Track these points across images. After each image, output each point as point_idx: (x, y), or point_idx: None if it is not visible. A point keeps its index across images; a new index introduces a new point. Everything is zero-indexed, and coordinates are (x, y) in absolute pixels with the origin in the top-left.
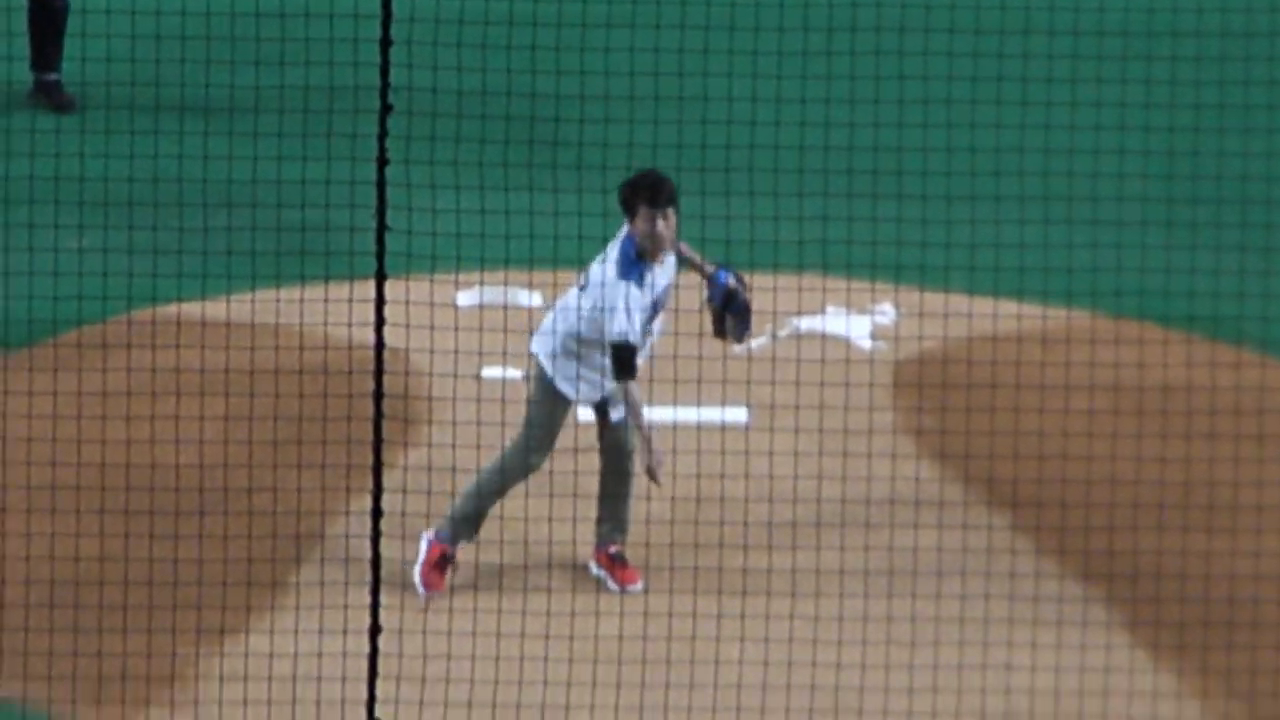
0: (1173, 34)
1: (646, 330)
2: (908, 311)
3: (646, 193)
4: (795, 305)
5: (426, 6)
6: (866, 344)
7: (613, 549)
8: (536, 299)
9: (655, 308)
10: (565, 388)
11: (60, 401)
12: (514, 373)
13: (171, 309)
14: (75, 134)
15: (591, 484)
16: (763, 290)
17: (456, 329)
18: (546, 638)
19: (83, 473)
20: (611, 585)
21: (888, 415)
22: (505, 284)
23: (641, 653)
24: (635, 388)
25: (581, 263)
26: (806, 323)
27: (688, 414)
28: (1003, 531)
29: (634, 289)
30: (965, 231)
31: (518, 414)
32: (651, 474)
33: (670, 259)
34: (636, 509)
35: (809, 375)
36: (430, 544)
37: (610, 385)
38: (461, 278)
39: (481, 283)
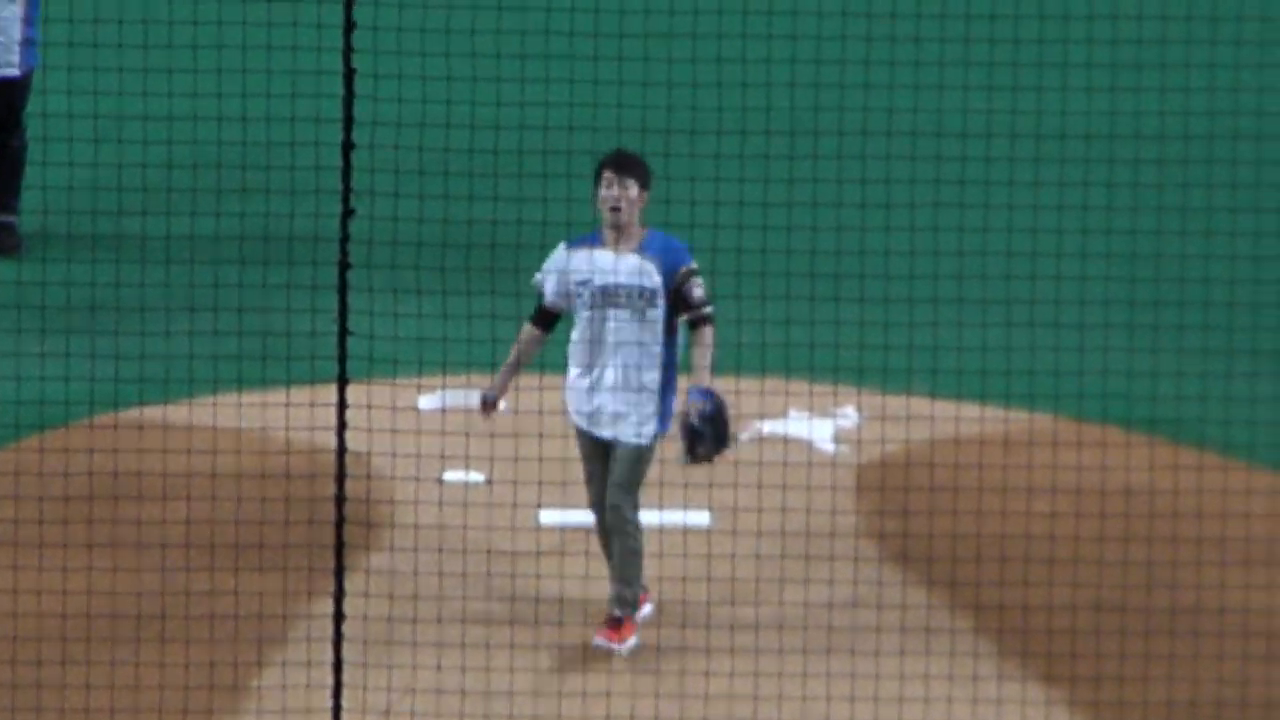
0: (1136, 137)
1: (588, 305)
2: (870, 414)
3: (604, 161)
4: (758, 408)
5: (388, 111)
6: (829, 447)
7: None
8: (500, 403)
9: (603, 292)
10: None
11: (21, 506)
12: (476, 476)
13: (134, 413)
14: (38, 239)
15: None
16: (726, 393)
17: (419, 432)
18: None
19: (43, 577)
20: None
21: (850, 518)
22: (467, 387)
23: None
24: (522, 333)
25: (545, 368)
26: (769, 425)
27: (650, 516)
28: (965, 634)
29: (562, 249)
30: (928, 334)
31: (479, 518)
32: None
33: (633, 257)
34: (598, 612)
35: (771, 478)
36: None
37: (595, 402)
38: (423, 381)
39: (444, 386)
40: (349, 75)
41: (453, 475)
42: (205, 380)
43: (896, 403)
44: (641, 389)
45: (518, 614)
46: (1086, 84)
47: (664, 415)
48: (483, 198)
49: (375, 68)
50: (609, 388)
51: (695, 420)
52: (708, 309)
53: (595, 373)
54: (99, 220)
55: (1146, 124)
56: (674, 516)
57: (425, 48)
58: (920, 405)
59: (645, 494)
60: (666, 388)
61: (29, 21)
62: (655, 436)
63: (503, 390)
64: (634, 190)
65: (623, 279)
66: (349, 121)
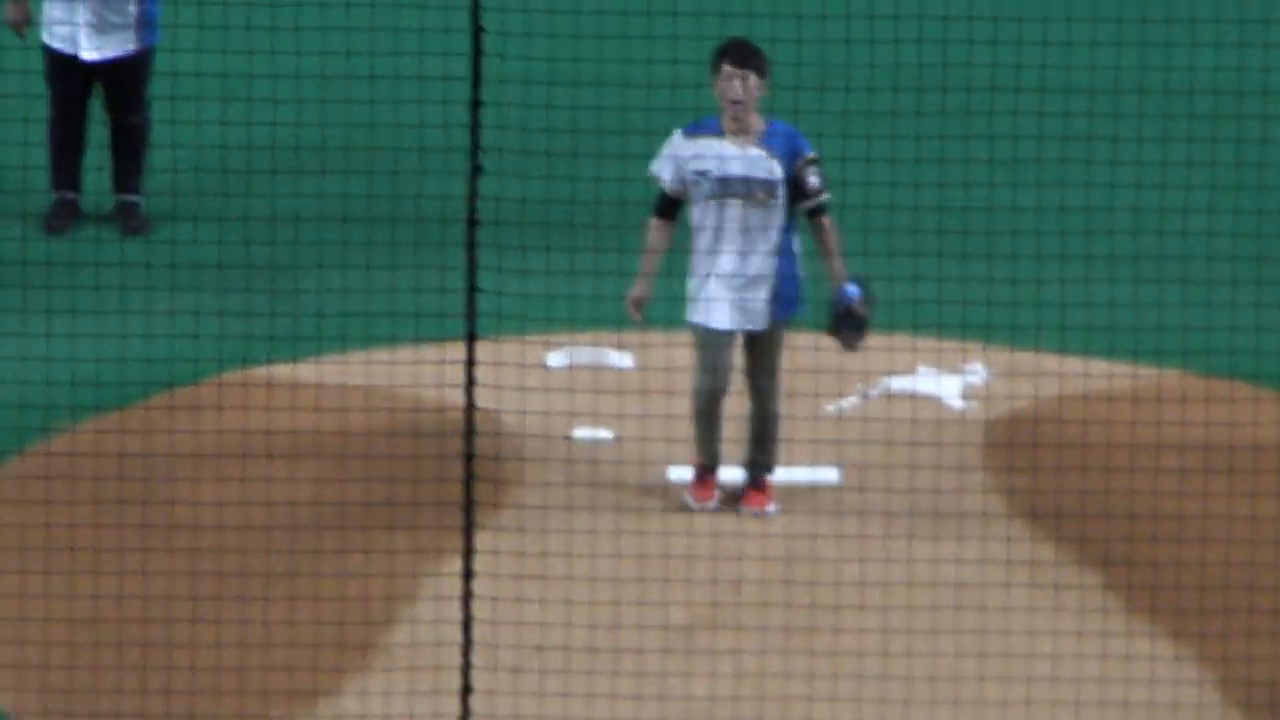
0: (1264, 93)
1: (707, 195)
2: (998, 371)
3: (723, 52)
4: (886, 365)
5: (515, 69)
6: (958, 403)
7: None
8: (626, 360)
9: (724, 183)
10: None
11: (152, 464)
12: (604, 433)
13: (262, 371)
14: (167, 196)
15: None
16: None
17: (547, 390)
18: (637, 699)
19: (174, 535)
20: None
21: (978, 475)
22: (595, 344)
23: (731, 715)
24: (650, 227)
25: (672, 323)
26: (897, 383)
27: (777, 474)
28: (1095, 591)
29: (679, 137)
30: (1055, 290)
31: (608, 475)
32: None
33: (753, 149)
34: (726, 569)
35: (900, 434)
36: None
37: (713, 292)
38: (551, 339)
39: (572, 343)
40: (477, 33)
41: (581, 432)
42: (334, 338)
43: (1025, 359)
44: (760, 277)
45: (646, 571)
46: (1215, 39)
47: (784, 301)
48: (611, 155)
49: (503, 25)
50: (728, 277)
51: (853, 307)
52: (824, 197)
53: (713, 262)
54: (229, 179)
55: (1275, 79)
56: (801, 473)
57: (555, 5)
58: (1048, 362)
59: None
60: (784, 274)
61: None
62: (780, 322)
63: (648, 288)
64: (753, 81)
65: (745, 171)
66: (477, 79)
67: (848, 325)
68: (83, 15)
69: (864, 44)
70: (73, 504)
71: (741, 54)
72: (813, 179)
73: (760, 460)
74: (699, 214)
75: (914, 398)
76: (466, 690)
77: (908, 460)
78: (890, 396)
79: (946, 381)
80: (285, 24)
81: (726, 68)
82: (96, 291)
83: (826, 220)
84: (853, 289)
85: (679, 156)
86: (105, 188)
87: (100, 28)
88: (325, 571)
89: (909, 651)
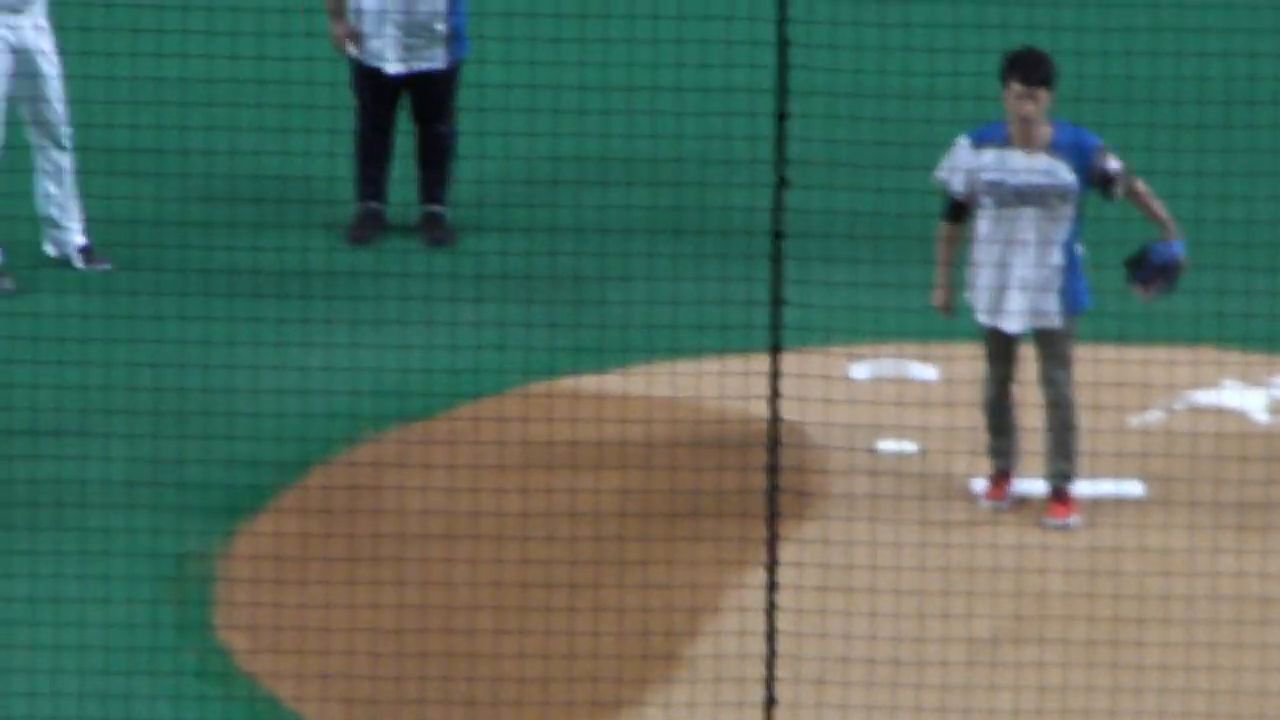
0: None
1: (999, 204)
2: None
3: (1011, 67)
4: (1191, 378)
5: (821, 80)
6: (1263, 418)
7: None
8: (930, 372)
9: (1017, 192)
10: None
11: (456, 475)
12: (908, 445)
13: (568, 382)
14: (473, 207)
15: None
16: (1158, 363)
17: (851, 401)
18: (941, 712)
19: (479, 546)
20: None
21: None
22: (899, 356)
23: None
24: (940, 232)
25: (976, 336)
26: (1202, 396)
27: (1082, 487)
28: None
29: (966, 145)
30: None
31: (912, 487)
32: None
33: (1043, 157)
34: (1030, 582)
35: (1205, 448)
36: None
37: (1004, 298)
38: (855, 350)
39: (876, 355)
40: (783, 46)
41: (885, 445)
42: (640, 349)
43: None
44: (1050, 277)
45: (950, 584)
46: None
47: (1073, 298)
48: (916, 167)
49: (809, 37)
50: (1019, 282)
51: (1176, 263)
52: (1128, 174)
53: (1004, 269)
54: (535, 190)
55: None
56: (1106, 487)
57: (860, 17)
58: None
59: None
60: (1071, 268)
61: (456, 13)
62: (1071, 317)
63: (950, 290)
64: (1042, 95)
65: (1036, 179)
66: (783, 92)
67: (1161, 278)
68: (391, 30)
69: (1170, 56)
70: (377, 514)
71: (1029, 72)
72: (1112, 164)
73: (1061, 470)
74: (988, 222)
75: (1219, 412)
76: (770, 703)
77: (1212, 474)
78: (1195, 410)
79: (1252, 395)
80: (594, 36)
81: (1015, 86)
82: (402, 302)
83: (1140, 185)
84: (1180, 247)
85: (968, 166)
86: (411, 199)
87: (409, 42)
88: (629, 582)
89: (1212, 665)
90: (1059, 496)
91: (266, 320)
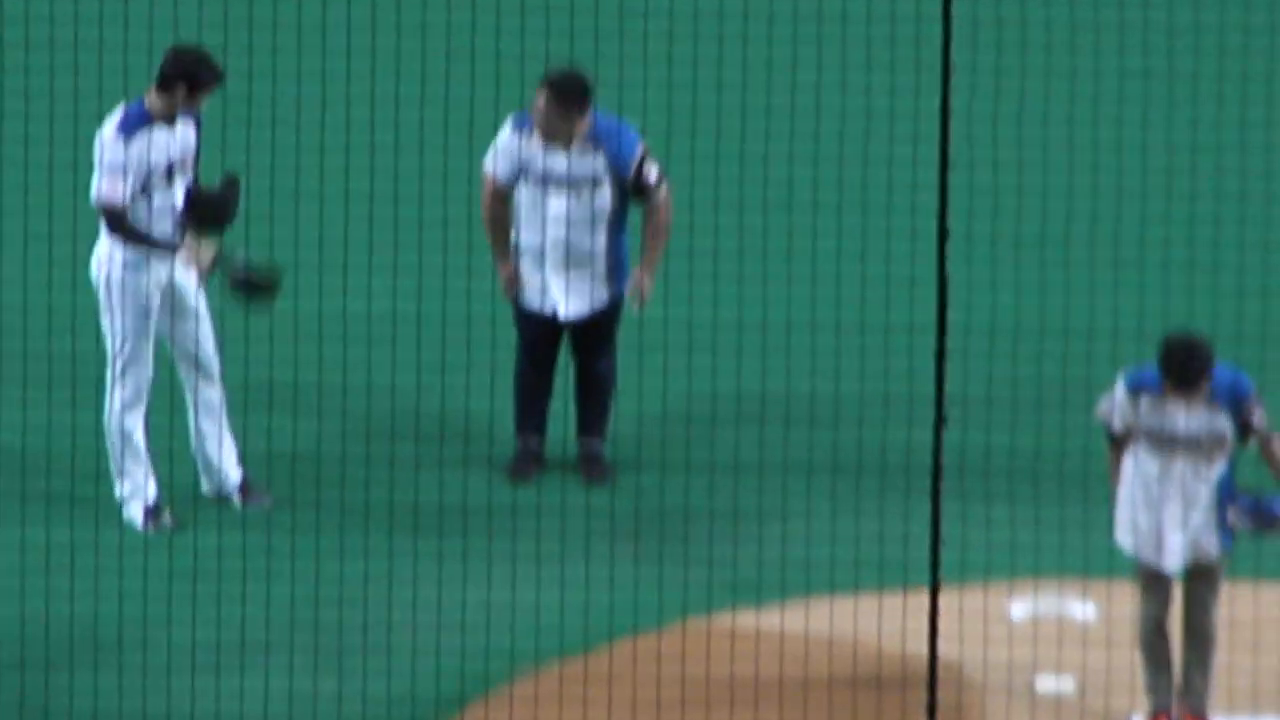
0: None
1: (1159, 449)
2: None
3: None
4: None
5: (980, 318)
6: None
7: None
8: (1090, 610)
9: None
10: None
11: (615, 712)
12: (1067, 684)
13: (726, 619)
14: (632, 443)
15: None
16: None
17: (1010, 641)
18: None
19: None
20: None
21: None
22: (1058, 593)
23: None
24: (1110, 460)
25: (1134, 573)
26: None
27: None
28: None
29: (1121, 385)
30: None
31: None
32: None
33: (1201, 408)
34: None
35: None
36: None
37: (1160, 534)
38: (1014, 587)
39: (1035, 592)
40: (943, 283)
41: (1044, 683)
42: (797, 586)
43: None
44: (1206, 515)
45: None
46: None
47: (1228, 531)
48: (1076, 406)
49: (969, 276)
50: (1176, 521)
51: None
52: (1269, 431)
53: (1161, 508)
54: (693, 426)
55: None
56: None
57: (1021, 258)
58: None
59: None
60: (1224, 504)
61: (617, 250)
62: (1225, 552)
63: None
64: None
65: (1194, 427)
66: (942, 329)
67: (1265, 525)
68: (554, 271)
69: None
70: None
71: (1183, 373)
72: (1256, 416)
73: (1197, 691)
74: (1144, 461)
75: None
76: None
77: None
78: None
79: None
80: (752, 274)
81: (1169, 388)
82: (561, 539)
83: (1277, 445)
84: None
85: (1124, 408)
86: (570, 435)
87: (573, 284)
88: None
89: None
90: (1195, 714)
91: (426, 556)
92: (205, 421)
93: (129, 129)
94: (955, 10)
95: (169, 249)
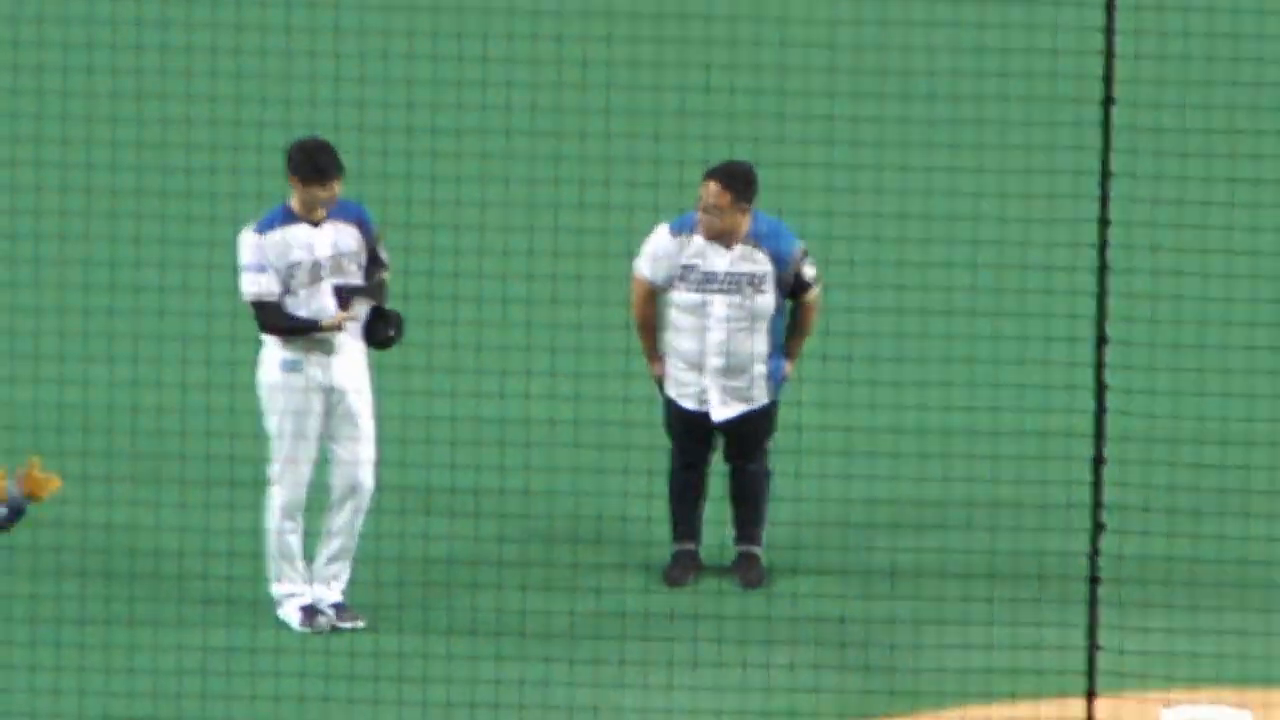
0: None
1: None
2: None
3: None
4: None
5: (1137, 425)
6: None
7: None
8: (1245, 718)
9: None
10: None
11: None
12: None
13: None
14: (788, 549)
15: None
16: None
17: None
18: None
19: None
20: None
21: None
22: (1214, 703)
23: None
24: None
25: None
26: None
27: None
28: None
29: None
30: None
31: None
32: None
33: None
34: None
35: None
36: None
37: None
38: (1170, 696)
39: (1191, 701)
40: (1100, 389)
41: None
42: (953, 693)
43: None
44: None
45: None
46: None
47: None
48: (1232, 513)
49: (1128, 383)
50: None
51: None
52: None
53: None
54: (849, 533)
55: None
56: None
57: (1179, 362)
58: None
59: None
60: None
61: (773, 353)
62: None
63: None
64: None
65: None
66: (1100, 436)
67: None
68: (711, 373)
69: None
70: None
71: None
72: None
73: None
74: None
75: None
76: None
77: None
78: None
79: None
80: (910, 379)
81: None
82: (717, 644)
83: None
84: None
85: None
86: (726, 540)
87: (729, 387)
88: None
89: None
90: None
91: (582, 661)
92: (338, 530)
93: (264, 226)
94: (1114, 118)
95: (314, 327)
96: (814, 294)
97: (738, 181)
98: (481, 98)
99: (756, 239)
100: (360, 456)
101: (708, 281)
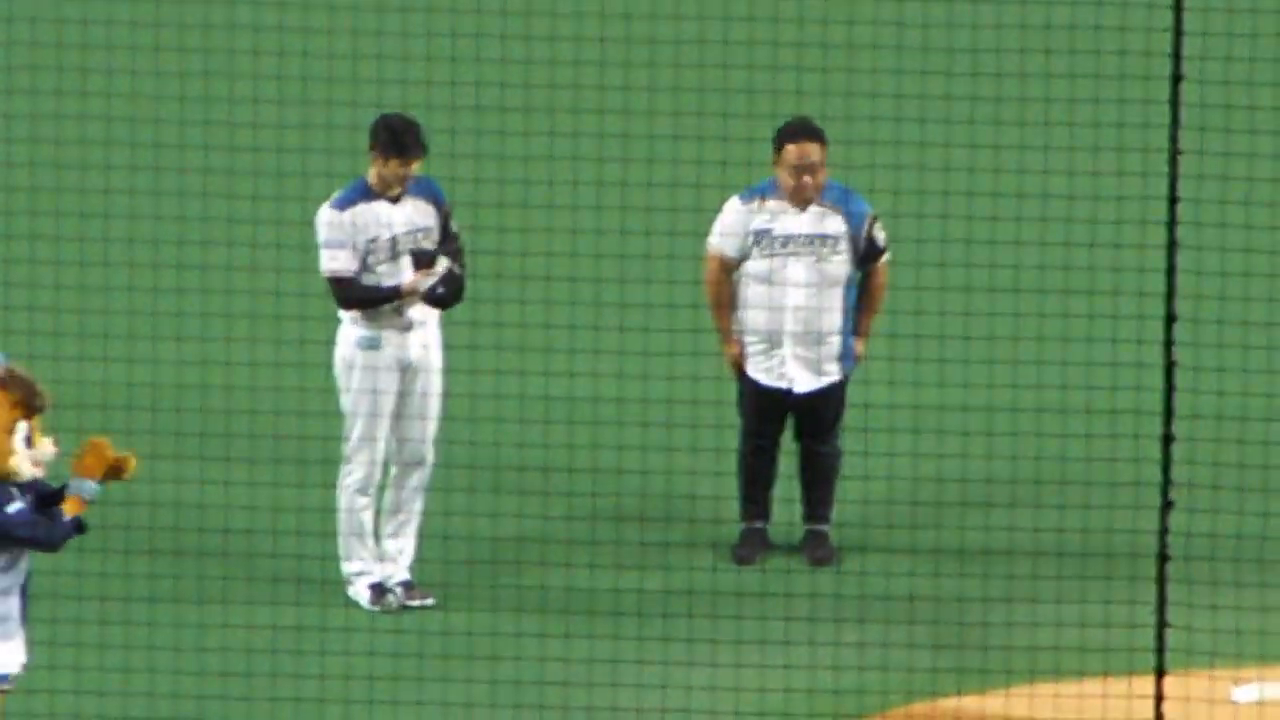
0: None
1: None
2: None
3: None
4: None
5: (1207, 403)
6: None
7: None
8: None
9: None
10: None
11: None
12: None
13: (950, 703)
14: (857, 527)
15: None
16: None
17: None
18: None
19: None
20: None
21: None
22: None
23: None
24: None
25: None
26: None
27: None
28: None
29: None
30: None
31: None
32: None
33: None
34: None
35: None
36: None
37: None
38: (1240, 674)
39: (1260, 679)
40: (1169, 366)
41: None
42: (1022, 671)
43: None
44: None
45: None
46: None
47: None
48: None
49: (1196, 359)
50: None
51: None
52: None
53: None
54: (919, 511)
55: None
56: None
57: (1246, 340)
58: None
59: None
60: None
61: (848, 321)
62: None
63: None
64: None
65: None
66: (1169, 415)
67: None
68: (789, 343)
69: None
70: None
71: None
72: None
73: None
74: None
75: None
76: None
77: None
78: None
79: None
80: (978, 358)
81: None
82: (786, 622)
83: None
84: None
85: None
86: (795, 518)
87: (807, 357)
88: None
89: None
90: None
91: (651, 639)
92: (401, 506)
93: (342, 203)
94: (1183, 95)
95: (395, 294)
96: (884, 260)
97: (815, 135)
98: (550, 76)
99: (830, 200)
100: (427, 434)
101: (783, 245)
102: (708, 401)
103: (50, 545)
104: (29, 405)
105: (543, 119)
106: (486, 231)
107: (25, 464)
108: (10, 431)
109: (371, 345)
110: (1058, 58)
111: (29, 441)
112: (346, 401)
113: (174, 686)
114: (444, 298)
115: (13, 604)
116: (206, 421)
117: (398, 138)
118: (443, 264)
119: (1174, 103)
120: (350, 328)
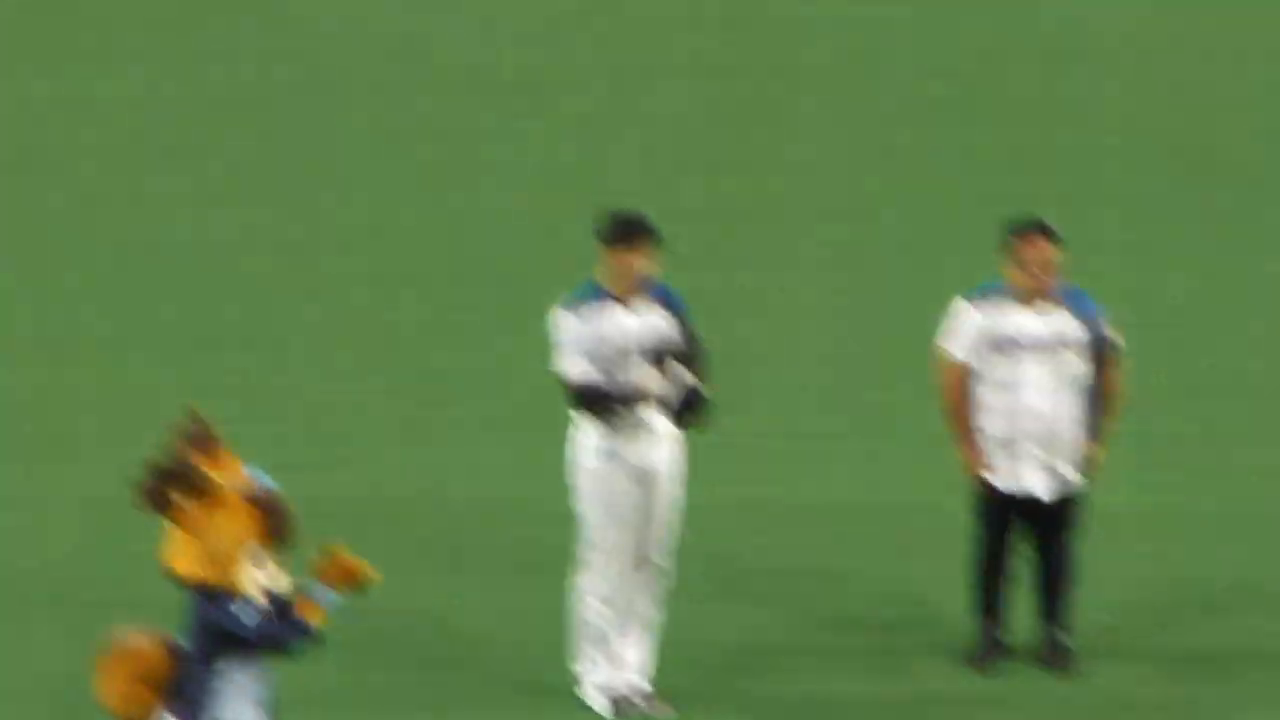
0: None
1: None
2: None
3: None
4: None
5: None
6: None
7: None
8: None
9: None
10: None
11: None
12: None
13: None
14: (1095, 634)
15: None
16: None
17: None
18: None
19: None
20: None
21: None
22: None
23: None
24: None
25: None
26: None
27: None
28: None
29: None
30: None
31: None
32: None
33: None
34: None
35: None
36: None
37: None
38: None
39: None
40: None
41: None
42: None
43: None
44: None
45: None
46: None
47: None
48: None
49: None
50: None
51: None
52: None
53: None
54: (1159, 614)
55: None
56: None
57: None
58: None
59: None
60: None
61: (1083, 426)
62: None
63: None
64: None
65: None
66: None
67: None
68: (1027, 447)
69: None
70: None
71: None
72: None
73: None
74: None
75: None
76: None
77: None
78: None
79: None
80: (1211, 466)
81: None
82: None
83: None
84: None
85: None
86: (1031, 625)
87: (1045, 464)
88: None
89: None
90: None
91: None
92: (639, 612)
93: (575, 304)
94: None
95: (634, 394)
96: (1121, 360)
97: (1050, 232)
98: (784, 182)
99: (1060, 299)
100: (664, 540)
101: (1020, 347)
102: (942, 507)
103: (281, 647)
104: (270, 532)
105: (773, 225)
106: (719, 336)
107: (250, 583)
108: (240, 543)
109: (611, 456)
110: None
111: (258, 563)
112: (583, 508)
113: None
114: (681, 414)
115: (245, 716)
116: (439, 526)
117: (620, 227)
118: (681, 374)
119: None
120: (588, 435)
